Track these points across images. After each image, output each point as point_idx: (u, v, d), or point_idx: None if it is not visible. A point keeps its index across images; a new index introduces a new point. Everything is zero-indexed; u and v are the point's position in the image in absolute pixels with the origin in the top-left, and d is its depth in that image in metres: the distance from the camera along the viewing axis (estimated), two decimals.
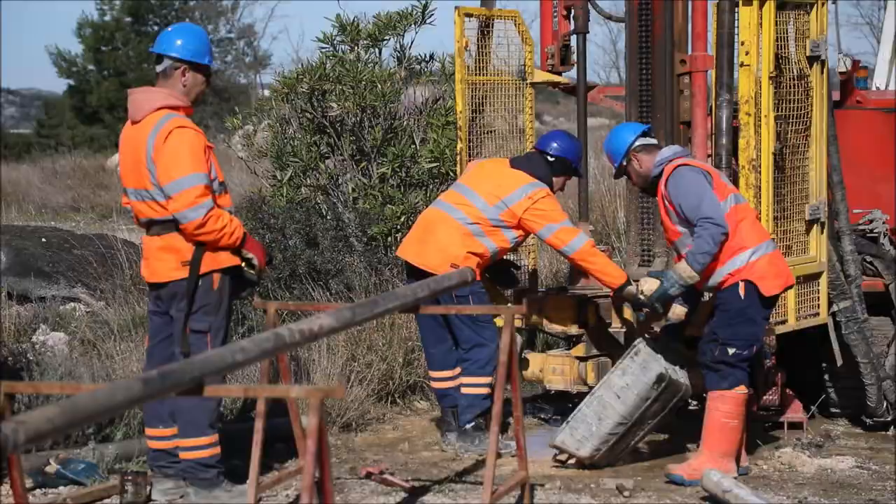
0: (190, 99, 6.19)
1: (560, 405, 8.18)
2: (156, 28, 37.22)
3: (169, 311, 6.13)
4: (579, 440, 6.78)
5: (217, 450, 6.11)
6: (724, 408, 6.56)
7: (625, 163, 6.87)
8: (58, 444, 6.63)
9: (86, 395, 3.45)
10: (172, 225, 6.01)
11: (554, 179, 7.34)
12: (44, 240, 11.85)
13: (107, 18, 37.22)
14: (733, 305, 6.54)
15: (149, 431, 6.29)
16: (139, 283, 9.92)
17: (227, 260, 6.08)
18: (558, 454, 6.92)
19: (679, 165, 6.65)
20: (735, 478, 6.38)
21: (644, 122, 7.71)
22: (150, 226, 6.12)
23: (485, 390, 7.19)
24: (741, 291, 6.51)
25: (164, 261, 6.06)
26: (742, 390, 6.56)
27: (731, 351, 6.52)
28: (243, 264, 6.14)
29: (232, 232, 6.03)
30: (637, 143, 6.83)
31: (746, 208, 6.69)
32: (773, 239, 6.83)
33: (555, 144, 7.37)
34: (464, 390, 7.27)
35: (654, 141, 6.94)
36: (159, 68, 6.19)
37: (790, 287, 6.81)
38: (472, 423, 7.23)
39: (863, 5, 34.74)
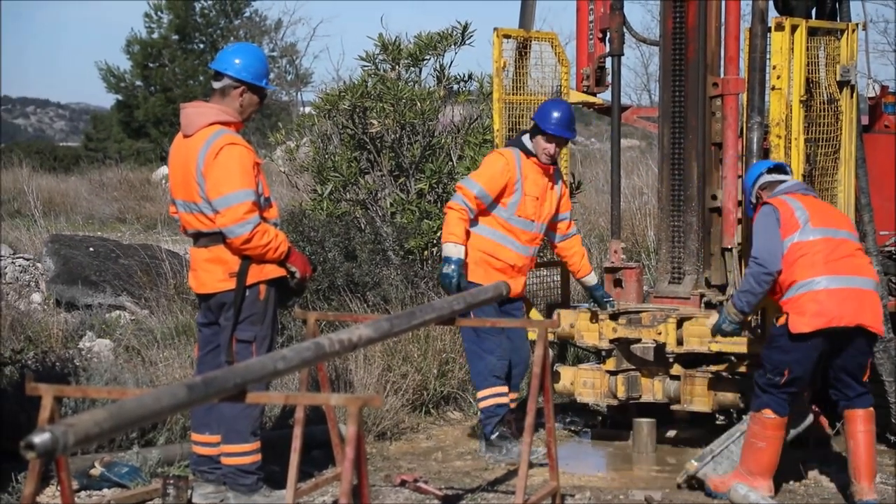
0: (243, 117, 6.28)
1: (589, 417, 8.28)
2: (201, 46, 37.58)
3: (218, 320, 6.22)
4: (721, 476, 6.72)
5: (258, 457, 6.21)
6: (753, 428, 6.59)
7: (753, 200, 6.84)
8: (102, 448, 6.76)
9: (132, 400, 3.51)
10: (220, 237, 6.09)
11: (532, 143, 7.38)
12: (91, 249, 12.01)
13: (154, 36, 37.58)
14: (771, 332, 6.60)
15: (195, 437, 6.38)
16: (182, 292, 10.08)
17: (272, 271, 6.17)
18: (688, 478, 6.87)
19: (765, 203, 6.67)
20: (768, 496, 6.45)
21: (676, 143, 7.81)
22: (198, 237, 6.20)
23: (493, 401, 7.35)
24: (778, 321, 6.50)
25: (212, 272, 6.15)
26: (767, 414, 6.50)
27: (762, 374, 6.56)
28: (288, 276, 6.24)
29: (277, 247, 6.12)
30: (762, 181, 6.79)
31: (813, 244, 6.46)
32: (842, 276, 6.44)
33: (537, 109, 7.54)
34: (479, 405, 7.46)
35: (777, 177, 6.79)
36: (217, 85, 6.25)
37: (832, 328, 6.36)
38: (496, 434, 7.36)
39: (890, 32, 34.36)
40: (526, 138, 7.41)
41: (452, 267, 7.19)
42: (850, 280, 6.43)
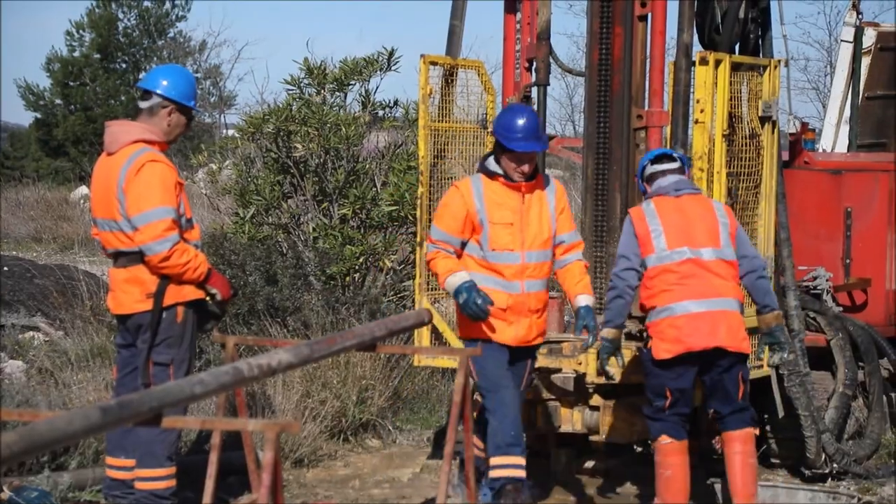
0: (169, 138, 6.26)
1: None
2: (124, 65, 37.20)
3: (135, 342, 6.15)
4: None
5: (173, 482, 6.13)
6: (657, 458, 6.59)
7: (647, 188, 6.74)
8: (12, 471, 6.62)
9: (44, 423, 3.44)
10: (138, 257, 6.05)
11: (502, 164, 6.45)
12: (5, 269, 11.79)
13: (76, 54, 37.12)
14: (643, 359, 6.61)
15: (109, 460, 6.28)
16: (99, 313, 9.93)
17: (191, 293, 6.13)
18: None
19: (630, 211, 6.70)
20: None
21: (600, 174, 7.83)
22: (117, 257, 6.15)
23: (501, 472, 6.47)
24: (646, 346, 6.56)
25: (129, 293, 6.10)
26: (664, 440, 6.50)
27: (648, 405, 6.59)
28: (207, 298, 6.19)
29: (196, 267, 6.08)
30: (647, 172, 6.73)
31: (669, 267, 6.46)
32: (700, 300, 6.43)
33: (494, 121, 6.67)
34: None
35: (664, 167, 6.68)
36: (144, 104, 6.24)
37: (691, 353, 6.37)
38: None
39: (810, 70, 35.39)
40: (490, 160, 6.50)
41: (464, 295, 6.31)
42: (708, 303, 6.43)
